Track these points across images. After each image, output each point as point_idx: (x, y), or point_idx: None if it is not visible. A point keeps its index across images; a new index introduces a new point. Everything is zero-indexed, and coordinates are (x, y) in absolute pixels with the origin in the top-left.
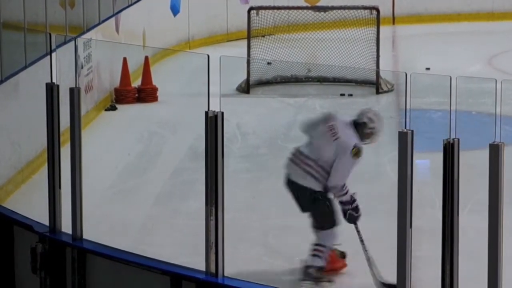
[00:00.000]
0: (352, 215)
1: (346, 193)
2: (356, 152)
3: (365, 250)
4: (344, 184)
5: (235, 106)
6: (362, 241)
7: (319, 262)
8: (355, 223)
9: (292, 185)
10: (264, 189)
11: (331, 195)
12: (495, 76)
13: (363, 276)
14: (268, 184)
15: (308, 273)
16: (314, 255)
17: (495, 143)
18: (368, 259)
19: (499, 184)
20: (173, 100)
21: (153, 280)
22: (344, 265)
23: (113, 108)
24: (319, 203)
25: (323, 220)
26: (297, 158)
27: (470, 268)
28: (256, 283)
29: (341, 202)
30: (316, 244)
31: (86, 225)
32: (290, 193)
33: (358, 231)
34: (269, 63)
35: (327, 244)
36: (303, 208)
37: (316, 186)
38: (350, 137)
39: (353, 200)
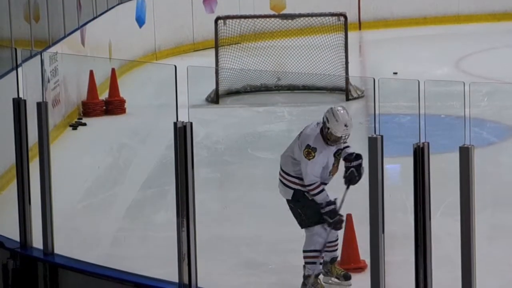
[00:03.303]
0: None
1: (317, 193)
2: (307, 153)
3: None
4: (311, 184)
5: (204, 116)
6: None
7: (314, 269)
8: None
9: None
10: (234, 199)
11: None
12: (463, 79)
13: None
14: (238, 193)
15: (308, 283)
16: (311, 263)
17: (465, 145)
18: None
19: (470, 187)
20: (141, 112)
21: None
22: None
23: (78, 124)
24: (297, 204)
25: (306, 216)
26: (279, 174)
27: (444, 272)
28: None
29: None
30: (306, 251)
31: (57, 239)
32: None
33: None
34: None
35: (317, 247)
36: (294, 215)
37: (289, 195)
38: (308, 138)
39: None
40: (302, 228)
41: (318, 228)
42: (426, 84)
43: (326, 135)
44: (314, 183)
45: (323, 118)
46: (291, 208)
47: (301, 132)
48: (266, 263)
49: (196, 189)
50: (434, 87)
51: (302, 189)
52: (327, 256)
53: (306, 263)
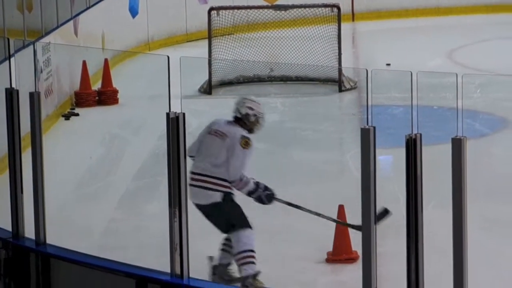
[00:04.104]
0: (268, 195)
1: (248, 182)
2: (245, 143)
3: (318, 214)
4: (242, 176)
5: (197, 107)
6: (304, 209)
7: (253, 269)
8: (278, 200)
9: (200, 208)
10: None
11: (235, 196)
12: (456, 70)
13: None
14: None
15: (248, 284)
16: (245, 264)
17: (457, 137)
18: (334, 220)
19: (462, 179)
20: (134, 102)
21: (118, 283)
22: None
23: (70, 114)
24: (225, 207)
25: (236, 219)
26: (194, 180)
27: (436, 262)
28: (222, 285)
29: (249, 193)
30: (240, 252)
31: (49, 230)
32: (205, 216)
33: (295, 206)
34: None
35: (251, 247)
36: (214, 221)
37: (218, 198)
38: (236, 132)
39: (258, 185)
40: (228, 233)
41: (246, 230)
42: (419, 75)
43: (252, 124)
44: (243, 176)
45: (242, 112)
46: (214, 213)
47: (217, 134)
48: (257, 252)
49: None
50: (427, 78)
51: (231, 191)
52: (227, 259)
53: (242, 264)
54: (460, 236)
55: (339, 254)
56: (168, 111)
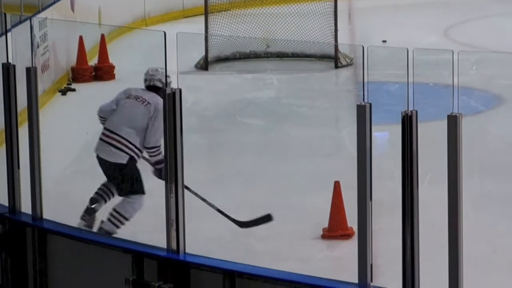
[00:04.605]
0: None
1: (161, 152)
2: None
3: (210, 205)
4: (161, 144)
5: (193, 83)
6: (199, 196)
7: (113, 230)
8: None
9: (102, 162)
10: (223, 165)
11: (138, 164)
12: (451, 48)
13: None
14: (227, 159)
15: (102, 231)
16: (112, 222)
17: (453, 114)
18: (219, 211)
19: (457, 155)
20: (131, 78)
21: (114, 259)
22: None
23: (67, 90)
24: (128, 171)
25: (132, 185)
26: (107, 137)
27: (431, 239)
28: (218, 259)
29: (156, 163)
30: (118, 212)
31: (46, 205)
32: (102, 170)
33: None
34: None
35: (128, 216)
36: (113, 180)
37: (124, 160)
38: (158, 101)
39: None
40: (122, 195)
41: (139, 198)
42: (414, 52)
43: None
44: (160, 144)
45: (163, 81)
46: (116, 174)
47: (138, 100)
48: (254, 229)
49: (185, 156)
50: (422, 55)
51: (136, 156)
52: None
53: (110, 220)
54: (455, 212)
55: (335, 230)
56: (164, 86)
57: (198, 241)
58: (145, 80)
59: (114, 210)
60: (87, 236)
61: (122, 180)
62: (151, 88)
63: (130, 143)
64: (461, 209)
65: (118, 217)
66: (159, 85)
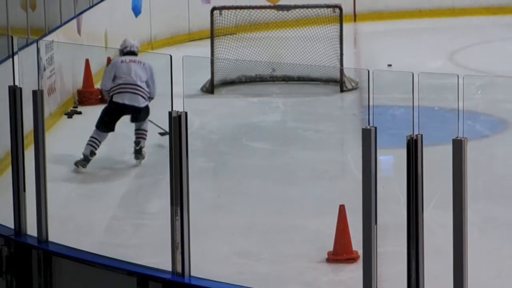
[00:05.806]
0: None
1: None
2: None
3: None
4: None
5: (199, 106)
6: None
7: (145, 144)
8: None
9: (132, 109)
10: (228, 188)
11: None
12: (457, 72)
13: None
14: (232, 183)
15: (141, 150)
16: (143, 138)
17: (458, 138)
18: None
19: (462, 179)
20: None
21: (119, 281)
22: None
23: (73, 113)
24: (148, 110)
25: (147, 116)
26: (130, 88)
27: (436, 263)
28: (224, 283)
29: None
30: (145, 130)
31: (51, 227)
32: (122, 112)
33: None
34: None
35: (147, 129)
36: (136, 119)
37: (145, 103)
38: (145, 60)
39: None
40: (137, 122)
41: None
42: (420, 76)
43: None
44: None
45: (138, 47)
46: (141, 114)
47: (134, 62)
48: (259, 252)
49: (190, 178)
50: (428, 79)
51: (148, 104)
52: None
53: (140, 138)
54: (460, 236)
55: (340, 254)
56: (170, 110)
57: (204, 263)
58: (126, 46)
59: (138, 130)
60: (92, 259)
61: (144, 116)
62: (131, 53)
63: (146, 91)
64: (466, 233)
65: (143, 132)
66: (136, 51)
